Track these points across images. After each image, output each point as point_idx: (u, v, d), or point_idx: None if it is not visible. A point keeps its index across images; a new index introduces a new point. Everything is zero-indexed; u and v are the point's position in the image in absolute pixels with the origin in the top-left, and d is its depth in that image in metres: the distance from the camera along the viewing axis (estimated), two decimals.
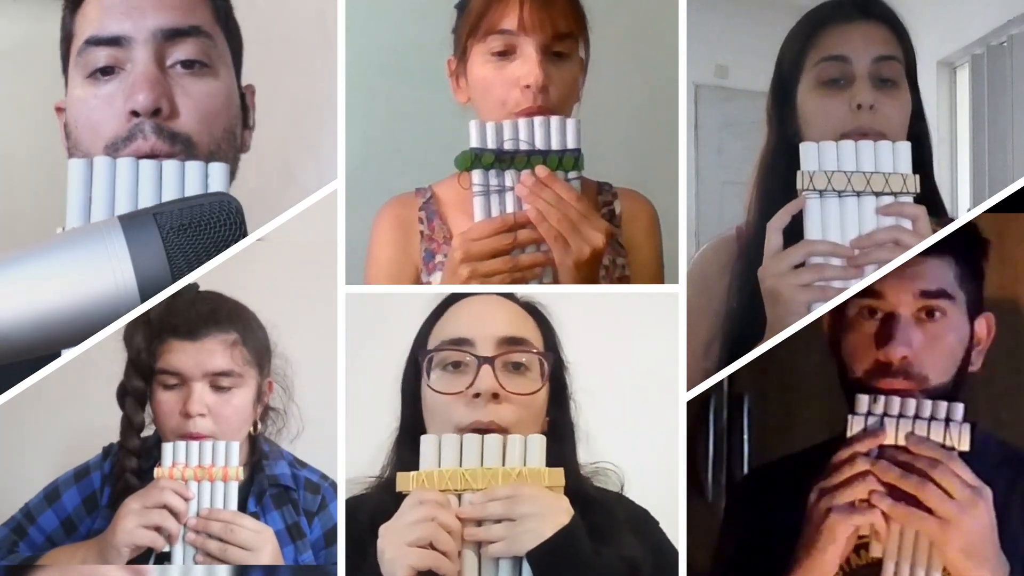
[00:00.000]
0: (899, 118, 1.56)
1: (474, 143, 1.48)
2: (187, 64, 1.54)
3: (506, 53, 1.52)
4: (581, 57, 1.57)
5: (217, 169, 1.50)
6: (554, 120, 1.48)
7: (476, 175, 1.48)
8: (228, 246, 1.19)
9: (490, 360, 1.40)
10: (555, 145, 1.48)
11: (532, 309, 1.47)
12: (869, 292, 1.45)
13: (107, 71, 1.53)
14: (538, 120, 1.48)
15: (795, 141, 1.56)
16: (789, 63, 1.59)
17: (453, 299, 1.46)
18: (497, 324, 1.43)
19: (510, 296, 1.47)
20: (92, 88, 1.54)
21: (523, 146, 1.48)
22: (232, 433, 1.50)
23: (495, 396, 1.39)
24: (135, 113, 1.52)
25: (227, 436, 1.49)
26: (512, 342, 1.42)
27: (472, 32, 1.54)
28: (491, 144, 1.48)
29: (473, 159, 1.47)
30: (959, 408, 1.39)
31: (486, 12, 1.52)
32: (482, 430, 1.36)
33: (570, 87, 1.55)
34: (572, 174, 1.48)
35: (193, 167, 1.50)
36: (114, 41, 1.53)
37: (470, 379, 1.39)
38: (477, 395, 1.39)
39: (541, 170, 1.46)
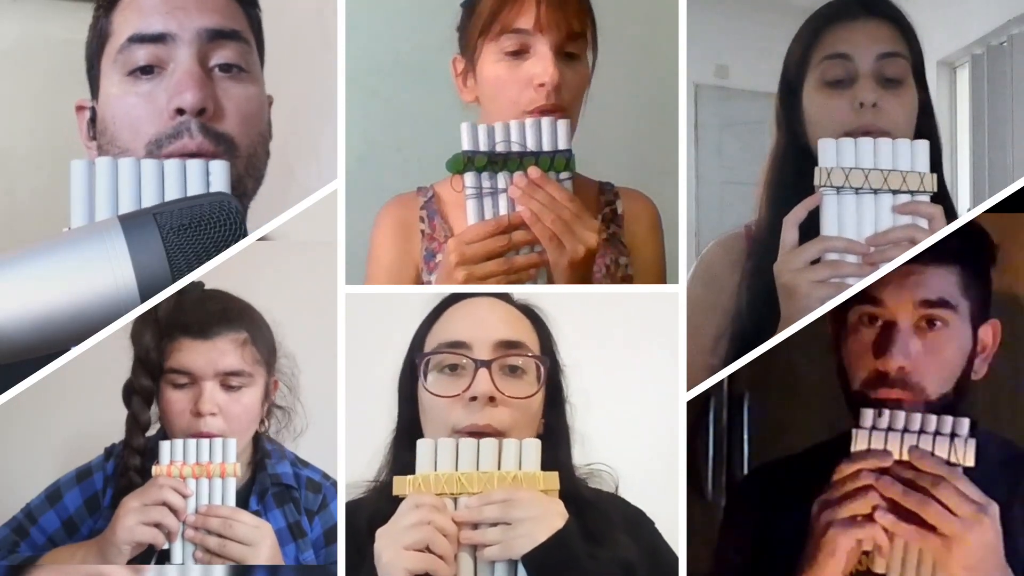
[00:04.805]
0: (904, 116, 1.55)
1: (466, 146, 1.48)
2: (225, 68, 1.56)
3: (519, 52, 1.52)
4: (589, 58, 1.56)
5: (218, 167, 1.51)
6: (545, 121, 1.48)
7: (468, 178, 1.48)
8: (228, 246, 1.20)
9: (487, 363, 1.40)
10: (546, 146, 1.48)
11: (528, 311, 1.46)
12: (870, 299, 1.44)
13: (147, 70, 1.54)
14: (529, 122, 1.48)
15: (803, 141, 1.57)
16: (795, 63, 1.59)
17: (449, 301, 1.46)
18: (494, 327, 1.43)
19: (506, 298, 1.46)
20: (131, 86, 1.55)
21: (515, 148, 1.47)
22: (241, 432, 1.50)
23: (491, 399, 1.39)
24: (180, 111, 1.53)
25: (237, 435, 1.49)
26: (509, 345, 1.42)
27: (484, 31, 1.53)
28: (483, 147, 1.48)
29: (465, 162, 1.47)
30: (965, 423, 1.38)
31: (500, 11, 1.52)
32: (478, 433, 1.37)
33: (580, 87, 1.55)
34: (564, 174, 1.48)
35: (195, 165, 1.51)
36: (159, 38, 1.54)
37: (467, 382, 1.39)
38: (474, 398, 1.39)
39: (533, 171, 1.46)
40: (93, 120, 1.60)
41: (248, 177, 1.57)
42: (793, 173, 1.55)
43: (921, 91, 1.57)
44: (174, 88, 1.53)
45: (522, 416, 1.40)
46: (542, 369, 1.43)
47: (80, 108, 1.61)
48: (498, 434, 1.37)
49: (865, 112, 1.54)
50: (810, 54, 1.57)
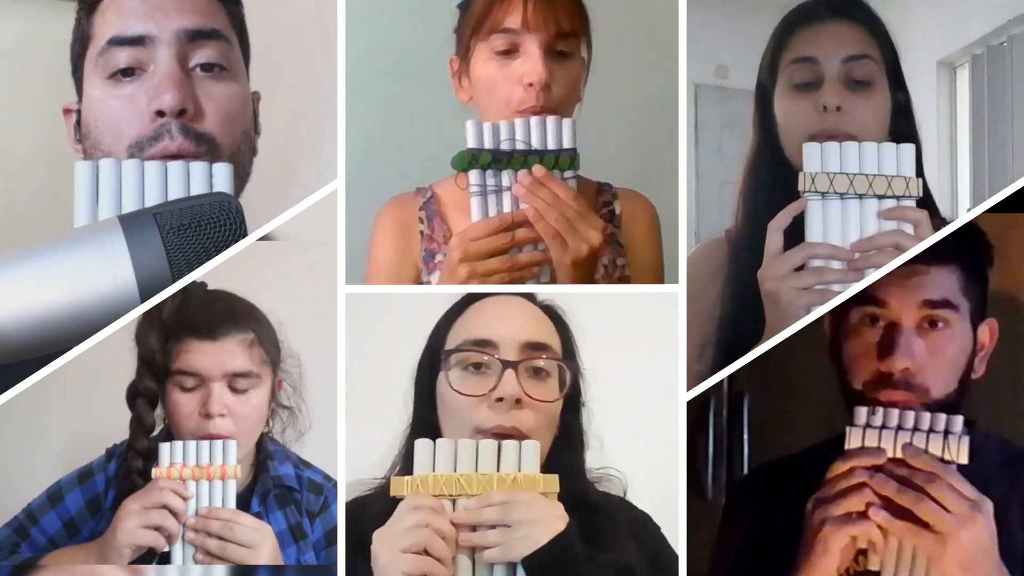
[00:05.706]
0: (872, 119, 1.55)
1: (471, 143, 1.48)
2: (207, 67, 1.56)
3: (509, 51, 1.52)
4: (583, 56, 1.57)
5: (221, 169, 1.51)
6: (550, 120, 1.49)
7: (473, 175, 1.48)
8: (228, 246, 1.20)
9: (514, 365, 1.39)
10: (551, 145, 1.48)
11: (551, 313, 1.46)
12: (872, 300, 1.44)
13: (128, 72, 1.54)
14: (534, 120, 1.48)
15: (776, 144, 1.56)
16: (767, 66, 1.59)
17: (473, 297, 1.45)
18: (521, 328, 1.42)
19: (531, 298, 1.46)
20: (113, 89, 1.55)
21: (520, 146, 1.48)
22: (250, 433, 1.50)
23: (518, 402, 1.38)
24: (160, 113, 1.53)
25: (245, 436, 1.49)
26: (535, 347, 1.41)
27: (475, 31, 1.53)
28: (488, 144, 1.48)
29: (470, 159, 1.47)
30: (958, 420, 1.38)
31: (489, 10, 1.52)
32: (504, 435, 1.36)
33: (572, 86, 1.55)
34: (568, 173, 1.48)
35: (197, 168, 1.51)
36: (138, 41, 1.54)
37: (493, 382, 1.39)
38: (500, 399, 1.38)
39: (538, 169, 1.46)
40: (80, 123, 1.60)
41: (234, 176, 1.57)
42: (768, 177, 1.55)
43: (898, 93, 1.57)
44: (154, 90, 1.53)
45: (544, 419, 1.40)
46: (567, 373, 1.43)
47: (67, 111, 1.61)
48: (522, 436, 1.36)
49: (829, 116, 1.53)
50: (779, 57, 1.57)
